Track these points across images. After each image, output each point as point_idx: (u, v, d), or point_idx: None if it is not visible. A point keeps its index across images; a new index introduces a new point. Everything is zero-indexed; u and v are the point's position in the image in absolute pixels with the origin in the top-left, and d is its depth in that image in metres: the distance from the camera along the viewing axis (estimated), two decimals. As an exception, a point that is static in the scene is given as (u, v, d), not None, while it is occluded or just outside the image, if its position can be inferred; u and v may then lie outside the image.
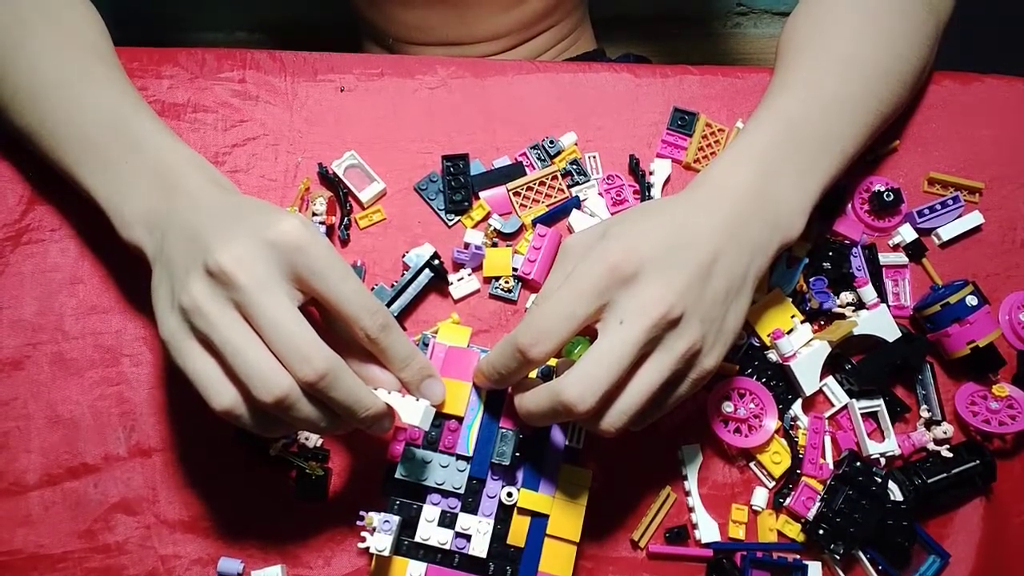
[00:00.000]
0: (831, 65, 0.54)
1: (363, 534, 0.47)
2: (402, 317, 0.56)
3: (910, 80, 0.56)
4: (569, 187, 0.60)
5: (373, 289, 0.55)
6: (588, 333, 0.44)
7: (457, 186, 0.59)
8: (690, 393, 0.45)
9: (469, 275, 0.57)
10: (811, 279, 0.56)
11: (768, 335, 0.55)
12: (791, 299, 0.56)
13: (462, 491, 0.49)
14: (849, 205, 0.60)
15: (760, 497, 0.54)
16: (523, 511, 0.48)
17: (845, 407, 0.56)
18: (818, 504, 0.53)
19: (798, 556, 0.53)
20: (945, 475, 0.53)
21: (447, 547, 0.48)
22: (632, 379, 0.43)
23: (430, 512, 0.48)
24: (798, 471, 0.54)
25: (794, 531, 0.53)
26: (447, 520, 0.48)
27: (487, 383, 0.48)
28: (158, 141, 0.48)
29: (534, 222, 0.58)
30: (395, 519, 0.47)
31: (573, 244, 0.47)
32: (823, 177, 0.51)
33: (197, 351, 0.41)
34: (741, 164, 0.49)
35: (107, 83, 0.51)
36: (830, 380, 0.56)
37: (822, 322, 0.57)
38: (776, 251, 0.48)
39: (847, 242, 0.58)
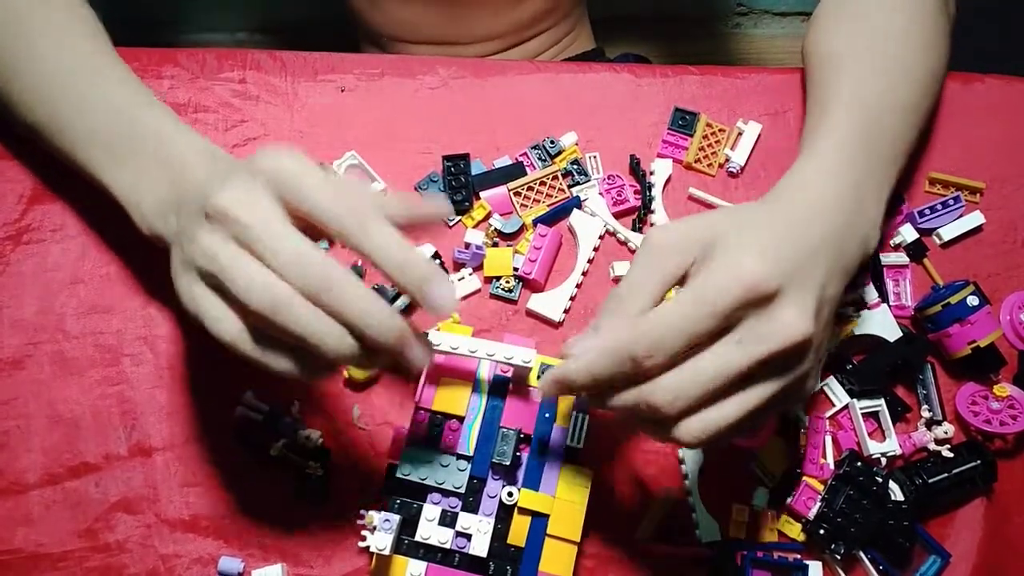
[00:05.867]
0: (888, 72, 0.52)
1: (363, 533, 0.47)
2: (402, 316, 0.56)
3: (942, 81, 0.56)
4: (570, 187, 0.60)
5: (373, 288, 0.55)
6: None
7: (458, 186, 0.59)
8: (779, 410, 0.42)
9: (470, 275, 0.57)
10: (812, 279, 0.56)
11: (769, 335, 0.55)
12: (792, 299, 0.56)
13: (463, 490, 0.49)
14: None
15: (761, 497, 0.54)
16: (524, 511, 0.48)
17: (846, 407, 0.56)
18: (819, 504, 0.53)
19: (799, 556, 0.53)
20: (946, 475, 0.53)
21: (447, 546, 0.48)
22: (735, 395, 0.39)
23: (430, 511, 0.48)
24: (799, 471, 0.54)
25: (795, 531, 0.53)
26: (448, 519, 0.48)
27: (572, 388, 0.41)
28: (167, 133, 0.48)
29: (535, 222, 0.58)
30: (395, 518, 0.47)
31: (668, 242, 0.41)
32: (891, 188, 0.49)
33: (204, 293, 0.39)
34: (832, 174, 0.46)
35: (112, 77, 0.51)
36: (831, 380, 0.56)
37: (823, 322, 0.57)
38: (860, 262, 0.45)
39: (848, 242, 0.58)
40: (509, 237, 0.58)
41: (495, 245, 0.58)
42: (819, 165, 0.46)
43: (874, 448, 0.54)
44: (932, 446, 0.55)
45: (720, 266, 0.39)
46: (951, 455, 0.54)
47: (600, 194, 0.59)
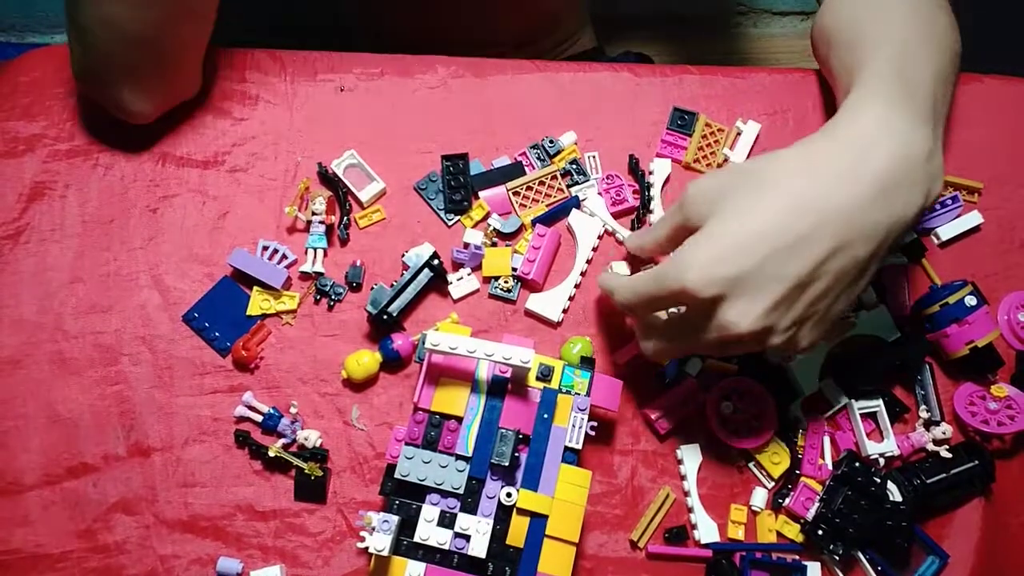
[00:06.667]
0: (916, 34, 0.50)
1: (362, 534, 0.47)
2: (402, 317, 0.56)
3: (958, 66, 0.54)
4: (569, 187, 0.60)
5: (372, 288, 0.55)
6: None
7: (457, 186, 0.58)
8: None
9: (468, 275, 0.57)
10: (810, 279, 0.56)
11: (767, 335, 0.55)
12: (790, 299, 0.56)
13: (461, 491, 0.49)
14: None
15: (759, 497, 0.54)
16: (522, 511, 0.48)
17: (844, 407, 0.56)
18: (817, 504, 0.53)
19: (797, 556, 0.53)
20: (944, 475, 0.53)
21: (446, 547, 0.48)
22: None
23: (429, 512, 0.48)
24: (797, 471, 0.54)
25: (793, 531, 0.53)
26: (446, 520, 0.48)
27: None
28: None
29: (533, 222, 0.58)
30: (394, 519, 0.47)
31: (684, 198, 0.46)
32: (940, 138, 0.47)
33: None
34: (896, 111, 0.45)
35: None
36: (829, 380, 0.56)
37: (821, 322, 0.57)
38: (918, 215, 0.44)
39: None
40: (508, 237, 0.58)
41: (494, 245, 0.58)
42: (886, 101, 0.45)
43: (872, 448, 0.54)
44: (930, 446, 0.55)
45: (679, 257, 0.44)
46: (949, 455, 0.54)
47: (599, 194, 0.59)
